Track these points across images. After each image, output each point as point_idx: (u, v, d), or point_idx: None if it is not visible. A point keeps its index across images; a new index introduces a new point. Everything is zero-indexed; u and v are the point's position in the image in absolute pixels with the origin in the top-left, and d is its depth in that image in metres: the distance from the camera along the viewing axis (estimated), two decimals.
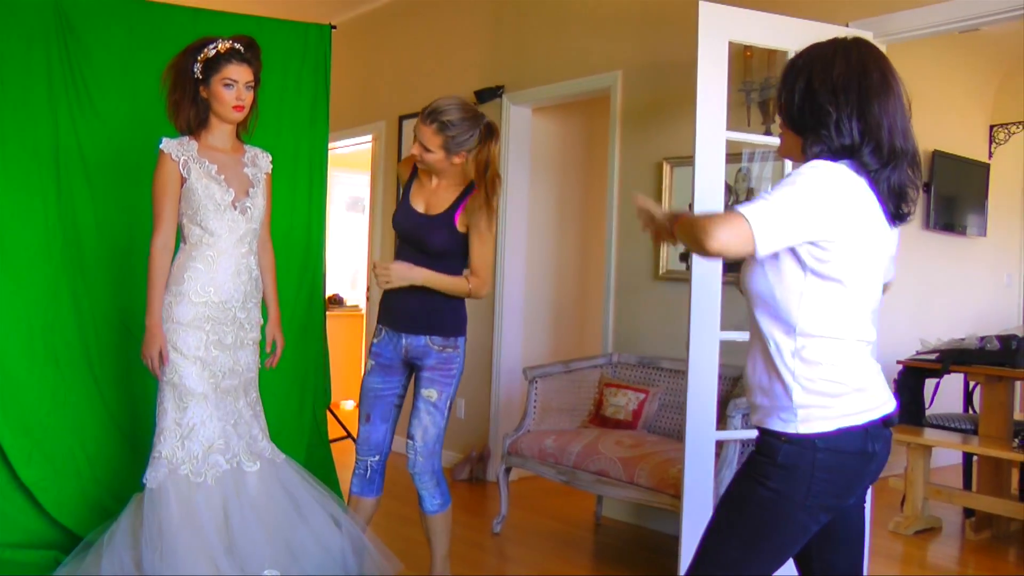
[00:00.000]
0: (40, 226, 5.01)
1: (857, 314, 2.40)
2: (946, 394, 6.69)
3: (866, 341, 2.44)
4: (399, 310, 4.14)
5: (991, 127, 8.54)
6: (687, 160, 5.37)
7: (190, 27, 5.14)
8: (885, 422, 2.44)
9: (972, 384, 6.79)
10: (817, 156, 2.35)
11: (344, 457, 6.68)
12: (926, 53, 7.10)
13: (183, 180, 3.92)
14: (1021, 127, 8.45)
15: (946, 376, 6.13)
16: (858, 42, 2.43)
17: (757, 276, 2.44)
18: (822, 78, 2.36)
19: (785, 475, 2.37)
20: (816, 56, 2.42)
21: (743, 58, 5.11)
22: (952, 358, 5.92)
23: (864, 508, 2.63)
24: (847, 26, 4.65)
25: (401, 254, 4.17)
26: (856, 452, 2.37)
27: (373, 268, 4.00)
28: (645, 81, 5.79)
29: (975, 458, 5.94)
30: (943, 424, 6.25)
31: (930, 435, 5.91)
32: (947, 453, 6.78)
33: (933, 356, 6.09)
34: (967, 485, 6.01)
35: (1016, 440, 5.54)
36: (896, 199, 2.39)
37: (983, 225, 8.39)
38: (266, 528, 3.92)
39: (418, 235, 4.08)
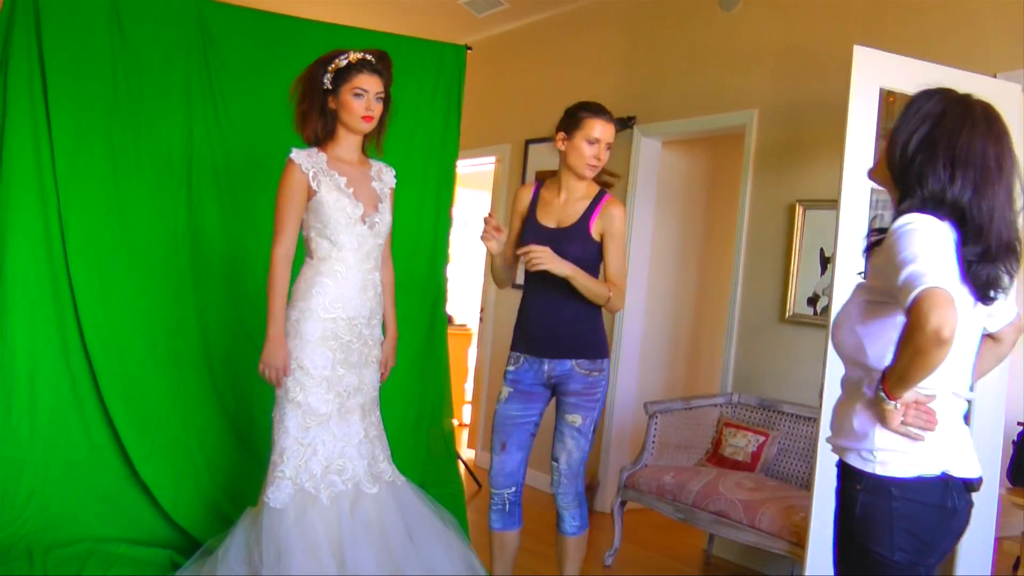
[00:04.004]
0: (170, 233, 5.11)
1: (944, 366, 2.34)
2: None
3: (956, 395, 2.42)
4: (542, 336, 4.10)
5: None
6: (821, 203, 5.33)
7: (327, 42, 5.16)
8: (967, 485, 2.41)
9: None
10: (910, 209, 2.31)
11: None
12: None
13: (312, 193, 3.91)
14: None
15: None
16: (986, 114, 2.37)
17: (844, 323, 2.47)
18: (946, 143, 2.32)
19: (866, 528, 2.37)
20: (946, 113, 2.35)
21: (885, 102, 5.04)
22: None
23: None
24: (995, 76, 4.58)
25: (530, 278, 4.15)
26: (934, 504, 2.34)
27: (524, 252, 3.89)
28: (782, 121, 5.74)
29: None
30: None
31: None
32: None
33: None
34: None
35: None
36: (984, 289, 2.36)
37: None
38: (376, 550, 3.91)
39: (552, 249, 4.00)
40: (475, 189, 10.61)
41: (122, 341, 4.95)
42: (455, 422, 9.94)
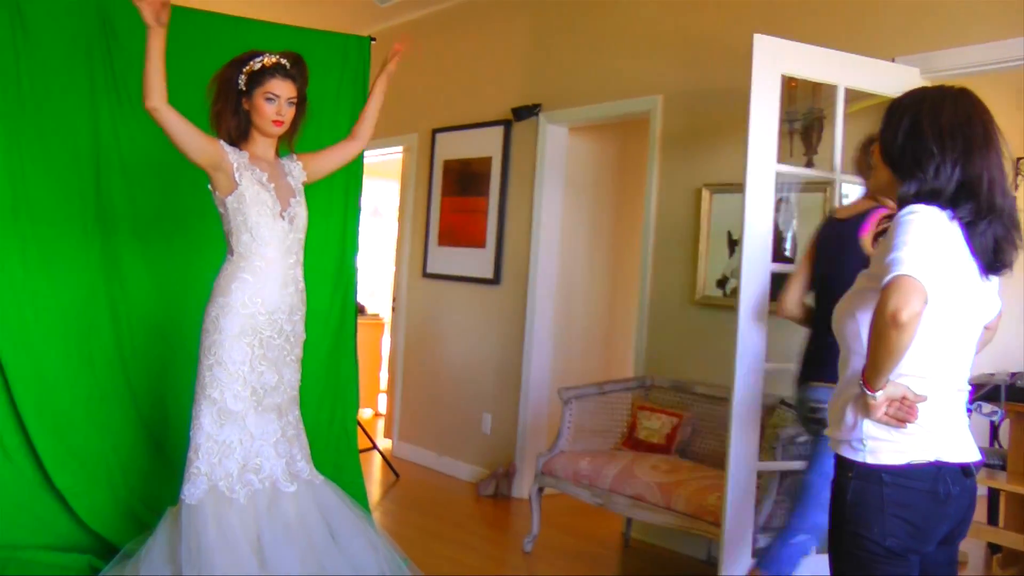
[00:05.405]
0: (79, 229, 5.02)
1: (941, 356, 2.42)
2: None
3: (950, 385, 2.46)
4: None
5: (1017, 160, 8.54)
6: (727, 187, 5.42)
7: (232, 36, 5.15)
8: (964, 470, 2.45)
9: (999, 419, 6.79)
10: (912, 198, 2.39)
11: (366, 468, 6.68)
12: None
13: (234, 186, 3.90)
14: None
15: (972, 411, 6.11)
16: (965, 92, 2.47)
17: (845, 309, 2.52)
18: (930, 120, 2.41)
19: (857, 514, 2.41)
20: (925, 98, 2.47)
21: (787, 88, 5.12)
22: (982, 393, 5.91)
23: (955, 565, 2.61)
24: (893, 61, 4.69)
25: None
26: (926, 490, 2.39)
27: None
28: (686, 106, 5.81)
29: (1001, 493, 5.93)
30: None
31: None
32: None
33: None
34: (992, 520, 6.00)
35: None
36: (990, 253, 2.41)
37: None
38: (299, 550, 3.90)
39: None
40: (383, 178, 10.58)
41: (34, 343, 4.84)
42: (370, 411, 9.97)
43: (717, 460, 5.24)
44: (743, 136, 4.33)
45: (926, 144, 2.39)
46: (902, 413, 2.33)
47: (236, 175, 3.90)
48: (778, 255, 5.07)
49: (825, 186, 4.90)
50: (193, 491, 3.82)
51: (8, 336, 4.77)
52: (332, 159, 4.40)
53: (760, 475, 4.44)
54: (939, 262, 2.26)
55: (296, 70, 4.02)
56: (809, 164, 5.10)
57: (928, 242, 2.26)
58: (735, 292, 4.69)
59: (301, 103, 4.07)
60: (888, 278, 2.18)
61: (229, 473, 3.87)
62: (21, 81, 4.86)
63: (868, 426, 2.40)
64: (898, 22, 4.81)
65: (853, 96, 4.56)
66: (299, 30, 5.62)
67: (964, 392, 2.52)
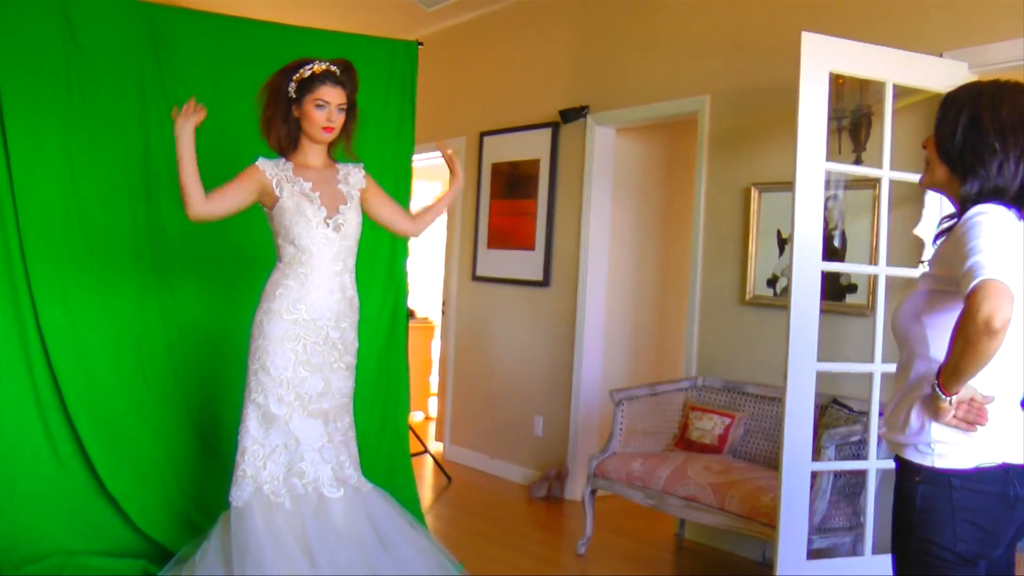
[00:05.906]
0: (129, 238, 5.06)
1: (1004, 357, 2.34)
2: None
3: (1012, 385, 2.41)
4: None
5: None
6: (776, 186, 5.38)
7: (280, 44, 5.19)
8: None
9: None
10: (975, 197, 2.34)
11: (417, 471, 6.71)
12: None
13: (275, 199, 3.96)
14: None
15: None
16: (1021, 86, 2.40)
17: (909, 311, 2.46)
18: (990, 115, 2.34)
19: (927, 520, 2.36)
20: (982, 93, 2.40)
21: (835, 84, 5.08)
22: None
23: (1014, 567, 2.56)
24: (941, 56, 4.64)
25: None
26: (996, 493, 2.34)
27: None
28: (734, 106, 5.78)
29: None
30: None
31: None
32: None
33: None
34: None
35: None
36: None
37: None
38: (348, 552, 3.93)
39: None
40: (432, 181, 10.61)
41: (85, 351, 4.89)
42: (421, 415, 10.00)
43: (770, 461, 5.22)
44: (791, 134, 4.31)
45: (987, 140, 2.33)
46: (971, 416, 2.28)
47: (276, 189, 3.97)
48: (828, 253, 5.05)
49: (875, 183, 4.87)
50: (240, 494, 3.90)
51: (60, 344, 4.82)
52: (383, 214, 4.39)
53: (814, 475, 4.42)
54: (1015, 263, 2.21)
55: (346, 76, 4.05)
56: (858, 161, 5.06)
57: (1004, 243, 2.21)
58: (785, 291, 4.66)
59: (351, 109, 4.10)
60: (974, 283, 2.12)
61: (274, 476, 3.92)
62: (72, 92, 4.92)
63: (936, 429, 2.35)
64: (945, 16, 4.76)
65: (901, 92, 4.52)
66: (346, 36, 5.64)
67: (1021, 391, 2.47)
